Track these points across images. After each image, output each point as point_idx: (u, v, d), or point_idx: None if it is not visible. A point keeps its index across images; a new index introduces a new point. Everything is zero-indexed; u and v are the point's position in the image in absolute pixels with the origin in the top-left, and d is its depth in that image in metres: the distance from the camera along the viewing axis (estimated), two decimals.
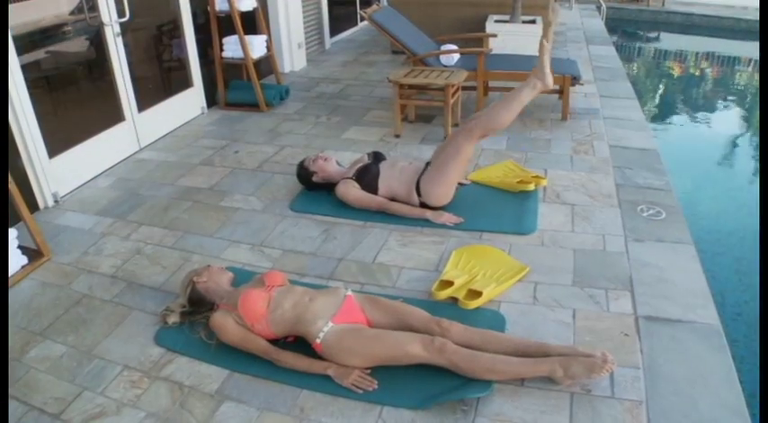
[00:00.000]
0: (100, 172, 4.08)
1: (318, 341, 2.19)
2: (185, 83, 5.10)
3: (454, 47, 5.16)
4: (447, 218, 3.25)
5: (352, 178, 3.41)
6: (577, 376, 2.07)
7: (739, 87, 9.24)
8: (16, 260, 2.92)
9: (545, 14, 6.47)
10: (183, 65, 5.07)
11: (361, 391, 2.11)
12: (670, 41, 12.52)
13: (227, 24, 5.06)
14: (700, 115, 8.10)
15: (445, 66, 4.97)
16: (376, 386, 2.13)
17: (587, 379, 2.09)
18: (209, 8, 5.00)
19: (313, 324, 2.22)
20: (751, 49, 10.60)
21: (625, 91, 5.65)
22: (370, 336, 2.22)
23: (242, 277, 2.68)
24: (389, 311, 2.33)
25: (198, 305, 2.49)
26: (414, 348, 2.13)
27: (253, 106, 5.30)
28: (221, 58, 5.21)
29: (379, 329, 2.27)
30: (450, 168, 3.22)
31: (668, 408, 2.03)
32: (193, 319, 2.50)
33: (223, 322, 2.29)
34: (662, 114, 8.06)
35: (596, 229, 3.14)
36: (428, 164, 3.39)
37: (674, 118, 7.94)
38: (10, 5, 3.32)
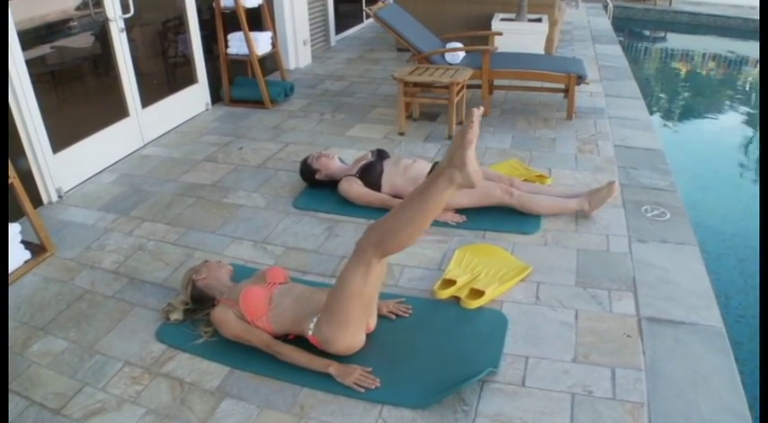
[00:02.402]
0: (103, 167, 4.08)
1: (311, 334, 2.18)
2: (190, 79, 5.09)
3: (459, 45, 5.14)
4: (450, 216, 3.24)
5: (355, 175, 3.41)
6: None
7: (746, 88, 9.19)
8: (19, 255, 2.92)
9: (551, 13, 6.47)
10: (187, 61, 5.07)
11: (363, 390, 2.11)
12: (677, 41, 12.45)
13: (232, 21, 5.05)
14: (706, 115, 8.06)
15: (450, 64, 4.95)
16: (379, 384, 2.13)
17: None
18: (214, 4, 4.98)
19: (308, 320, 2.21)
20: (758, 50, 10.53)
21: (631, 90, 5.63)
22: (330, 291, 2.17)
23: (244, 274, 2.68)
24: None
25: (200, 302, 2.49)
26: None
27: (257, 103, 5.30)
28: (226, 54, 5.21)
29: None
30: (472, 199, 3.25)
31: (670, 410, 2.02)
32: (195, 316, 2.50)
33: (224, 316, 2.29)
34: (667, 114, 8.02)
35: (600, 229, 3.13)
36: (437, 163, 3.38)
37: (680, 118, 7.90)
38: (18, 0, 3.33)
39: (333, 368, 2.16)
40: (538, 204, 3.22)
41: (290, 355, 2.21)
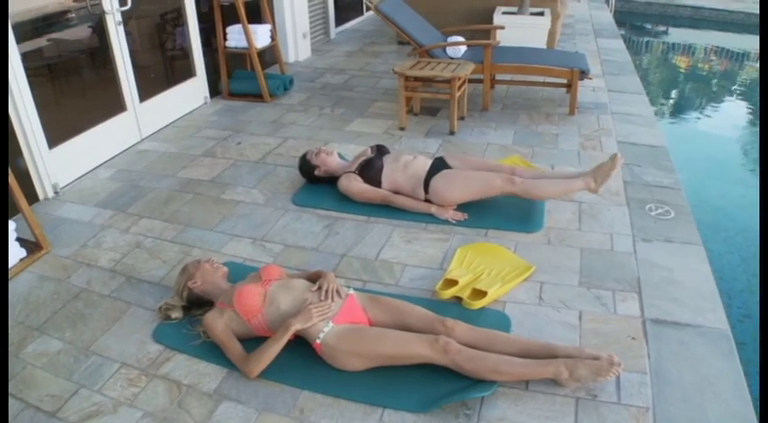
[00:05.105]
0: (100, 163, 4.03)
1: (318, 342, 2.15)
2: (188, 72, 5.03)
3: (461, 39, 5.08)
4: (452, 214, 3.20)
5: (354, 172, 3.36)
6: (583, 379, 2.04)
7: (749, 83, 9.13)
8: (15, 253, 2.88)
9: (554, 6, 6.40)
10: (185, 54, 5.01)
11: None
12: (679, 35, 12.38)
13: (230, 13, 4.98)
14: (709, 111, 8.01)
15: (452, 58, 4.90)
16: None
17: (593, 382, 2.06)
18: None
19: (313, 323, 2.17)
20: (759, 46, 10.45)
21: (634, 86, 5.57)
22: (372, 335, 2.18)
23: (242, 272, 2.64)
24: (392, 311, 2.29)
25: (198, 305, 2.46)
26: (417, 348, 2.09)
27: (256, 96, 5.24)
28: (225, 47, 5.14)
29: (382, 329, 2.22)
30: (472, 190, 3.18)
31: (675, 415, 1.99)
32: (194, 314, 2.47)
33: (212, 323, 2.25)
34: (670, 110, 7.97)
35: (604, 227, 3.09)
36: (437, 159, 3.34)
37: (683, 114, 7.85)
38: None
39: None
40: (542, 190, 3.10)
41: (258, 368, 2.15)
